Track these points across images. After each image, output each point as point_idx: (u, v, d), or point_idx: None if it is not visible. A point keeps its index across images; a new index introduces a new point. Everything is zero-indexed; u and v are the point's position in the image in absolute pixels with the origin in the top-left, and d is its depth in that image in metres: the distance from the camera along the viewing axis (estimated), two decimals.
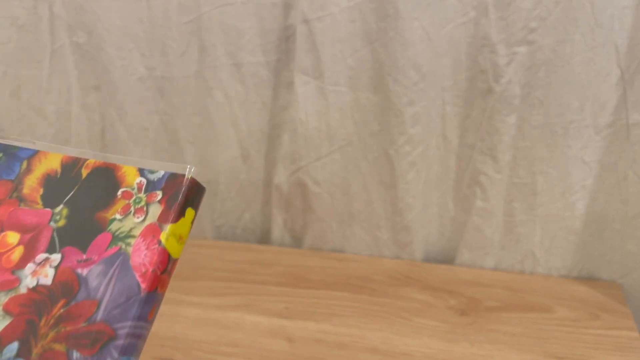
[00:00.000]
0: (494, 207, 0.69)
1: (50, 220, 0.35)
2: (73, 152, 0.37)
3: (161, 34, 0.68)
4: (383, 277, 0.71)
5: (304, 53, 0.66)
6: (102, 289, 0.32)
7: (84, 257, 0.33)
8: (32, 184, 0.37)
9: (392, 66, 0.63)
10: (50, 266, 0.34)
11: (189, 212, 0.34)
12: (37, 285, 0.33)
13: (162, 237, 0.32)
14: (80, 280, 0.33)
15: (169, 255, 0.33)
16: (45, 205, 0.36)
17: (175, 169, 0.34)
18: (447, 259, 0.76)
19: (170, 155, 0.75)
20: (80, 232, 0.34)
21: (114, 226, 0.34)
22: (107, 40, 0.69)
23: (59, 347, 0.31)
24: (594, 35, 0.58)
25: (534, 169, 0.66)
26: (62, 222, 0.35)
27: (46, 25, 0.70)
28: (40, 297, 0.33)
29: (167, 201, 0.33)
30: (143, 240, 0.33)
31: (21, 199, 0.37)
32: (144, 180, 0.34)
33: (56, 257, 0.34)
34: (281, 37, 0.67)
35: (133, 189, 0.35)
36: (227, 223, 0.81)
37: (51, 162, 0.37)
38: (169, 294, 0.77)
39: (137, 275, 0.32)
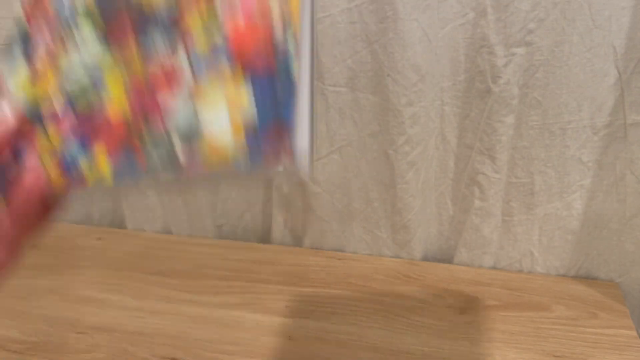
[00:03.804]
0: (493, 207, 0.69)
1: None
2: None
3: None
4: (382, 276, 0.72)
5: None
6: None
7: None
8: None
9: (392, 67, 0.63)
10: None
11: None
12: None
13: None
14: None
15: None
16: None
17: None
18: (445, 258, 0.76)
19: None
20: None
21: None
22: None
23: None
24: (591, 36, 0.59)
25: (532, 169, 0.66)
26: None
27: None
28: None
29: None
30: None
31: None
32: None
33: None
34: None
35: None
36: (229, 222, 0.81)
37: None
38: (170, 293, 0.77)
39: None
